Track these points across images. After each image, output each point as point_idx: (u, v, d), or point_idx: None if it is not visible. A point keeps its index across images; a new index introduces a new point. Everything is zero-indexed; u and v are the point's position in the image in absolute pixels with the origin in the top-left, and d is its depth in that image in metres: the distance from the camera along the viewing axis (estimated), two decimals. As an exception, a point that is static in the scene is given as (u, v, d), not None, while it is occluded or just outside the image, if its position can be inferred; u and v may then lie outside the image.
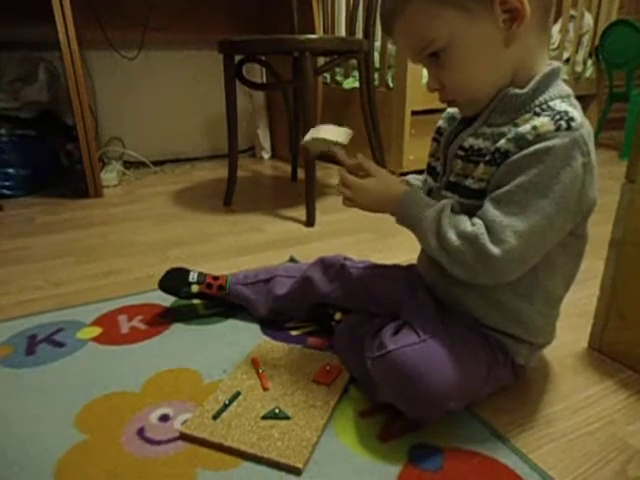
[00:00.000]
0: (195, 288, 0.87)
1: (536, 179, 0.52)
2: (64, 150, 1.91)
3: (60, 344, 0.82)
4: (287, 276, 0.84)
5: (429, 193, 0.68)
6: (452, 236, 0.56)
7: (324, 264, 0.81)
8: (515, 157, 0.53)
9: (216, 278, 0.88)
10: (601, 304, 0.77)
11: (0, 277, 1.09)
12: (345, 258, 0.81)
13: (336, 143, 0.68)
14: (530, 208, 0.52)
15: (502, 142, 0.54)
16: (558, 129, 0.51)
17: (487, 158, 0.56)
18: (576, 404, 0.67)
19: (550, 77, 0.56)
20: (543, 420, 0.64)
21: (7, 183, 1.70)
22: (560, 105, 0.54)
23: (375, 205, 0.65)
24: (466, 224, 0.56)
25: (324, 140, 0.68)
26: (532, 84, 0.55)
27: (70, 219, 1.50)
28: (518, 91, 0.55)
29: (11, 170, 1.70)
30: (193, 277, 0.88)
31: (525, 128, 0.52)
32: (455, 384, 0.56)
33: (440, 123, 0.70)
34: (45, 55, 1.84)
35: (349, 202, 0.67)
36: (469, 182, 0.59)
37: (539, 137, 0.51)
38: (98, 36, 1.90)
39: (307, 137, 0.70)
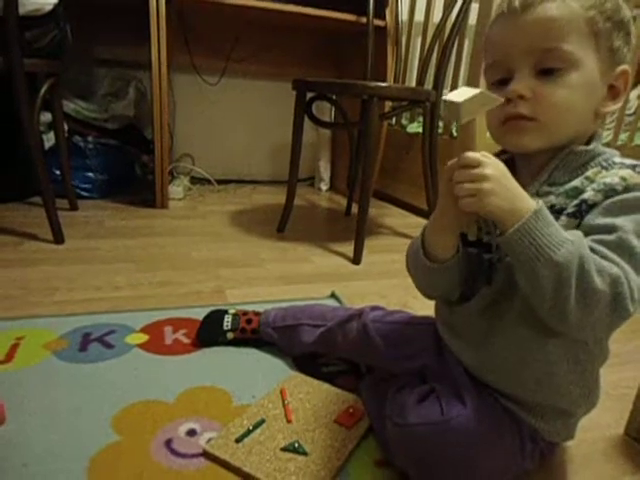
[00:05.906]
0: (230, 335, 0.90)
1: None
2: (140, 161, 2.07)
3: (110, 345, 0.89)
4: (312, 325, 0.85)
5: (479, 266, 0.62)
6: (595, 274, 0.46)
7: (348, 323, 0.81)
8: (614, 199, 0.51)
9: (249, 321, 0.91)
10: (642, 390, 0.74)
11: (67, 274, 1.19)
12: (374, 308, 0.82)
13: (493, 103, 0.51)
14: None
15: (588, 194, 0.53)
16: None
17: (570, 211, 0.54)
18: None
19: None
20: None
21: (86, 186, 1.86)
22: (627, 160, 0.55)
23: (507, 201, 0.49)
24: (604, 263, 0.47)
25: (483, 101, 0.50)
26: (594, 143, 0.57)
27: (136, 226, 1.62)
28: (585, 147, 0.56)
29: (91, 174, 1.86)
30: (227, 324, 0.90)
31: (613, 180, 0.52)
32: (472, 472, 0.55)
33: None
34: (136, 74, 2.02)
35: (473, 198, 0.49)
36: None
37: (628, 188, 0.51)
38: (185, 61, 2.07)
39: (455, 98, 0.49)
